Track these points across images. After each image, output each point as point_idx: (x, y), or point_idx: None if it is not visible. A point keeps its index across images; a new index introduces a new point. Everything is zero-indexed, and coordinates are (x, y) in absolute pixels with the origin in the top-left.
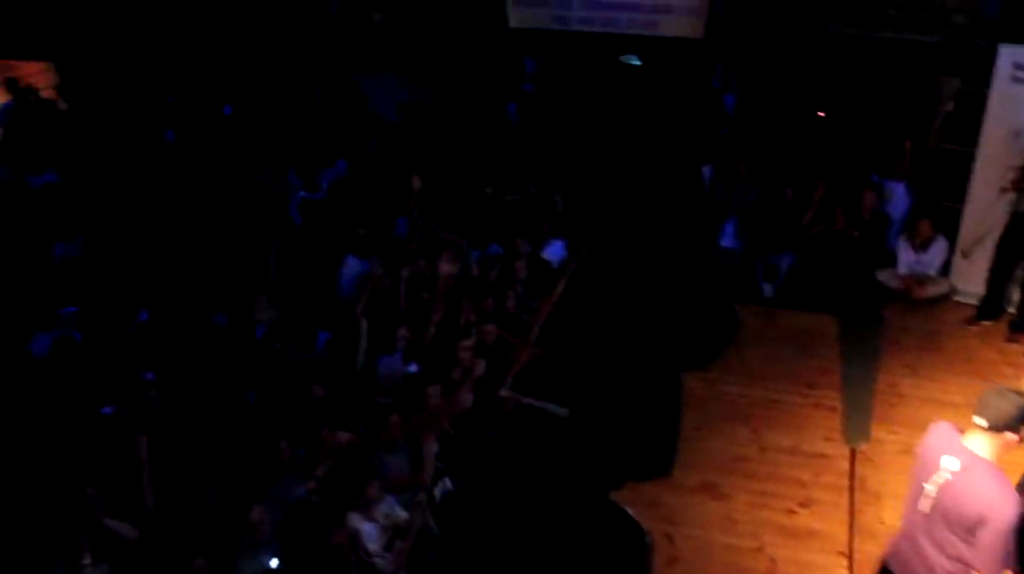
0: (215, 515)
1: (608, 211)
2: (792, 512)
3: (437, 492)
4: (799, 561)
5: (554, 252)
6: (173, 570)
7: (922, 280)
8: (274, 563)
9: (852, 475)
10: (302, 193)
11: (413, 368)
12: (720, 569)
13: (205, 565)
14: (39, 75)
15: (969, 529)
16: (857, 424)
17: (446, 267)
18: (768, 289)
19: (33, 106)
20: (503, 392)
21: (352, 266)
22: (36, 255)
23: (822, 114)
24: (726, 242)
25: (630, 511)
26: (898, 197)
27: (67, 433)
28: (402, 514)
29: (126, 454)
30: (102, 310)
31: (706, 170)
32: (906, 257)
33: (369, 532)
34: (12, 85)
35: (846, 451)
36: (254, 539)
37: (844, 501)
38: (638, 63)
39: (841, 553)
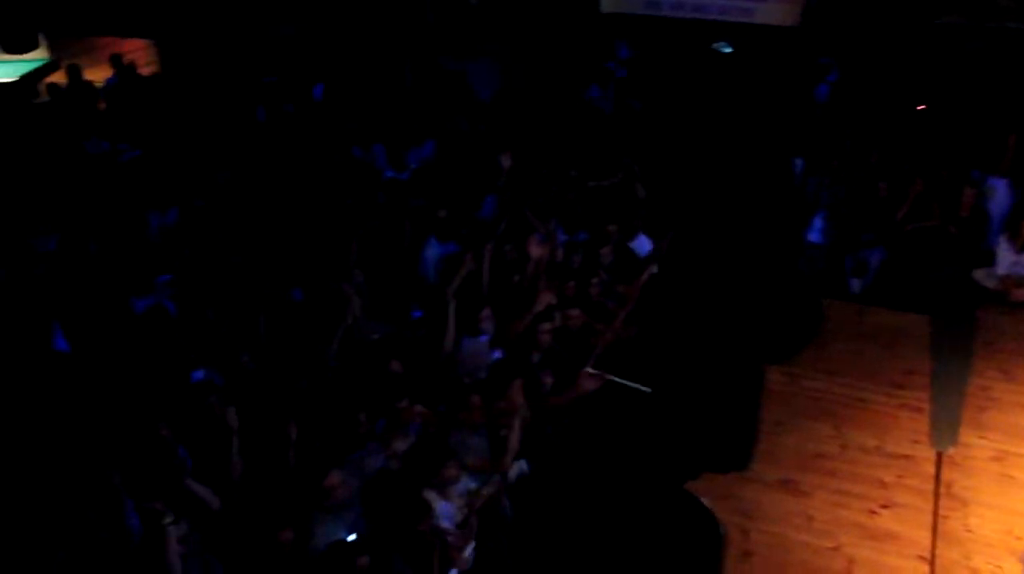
0: (294, 480)
1: (696, 200)
2: (873, 513)
3: (512, 474)
4: (877, 563)
5: (640, 245)
6: (257, 540)
7: (1022, 282)
8: (351, 538)
9: (937, 479)
10: (388, 172)
11: (498, 354)
12: (795, 566)
13: (291, 537)
14: (140, 52)
15: None
16: (945, 427)
17: (536, 250)
18: (856, 285)
19: (135, 82)
20: (588, 370)
21: (434, 247)
22: (133, 225)
23: (922, 107)
24: (813, 236)
25: (705, 502)
26: (1000, 194)
27: (156, 395)
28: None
29: (214, 421)
30: (195, 279)
31: (797, 162)
32: (1006, 257)
33: (444, 510)
34: (116, 61)
35: (932, 454)
36: (331, 505)
37: (928, 505)
38: (730, 51)
39: (922, 557)
